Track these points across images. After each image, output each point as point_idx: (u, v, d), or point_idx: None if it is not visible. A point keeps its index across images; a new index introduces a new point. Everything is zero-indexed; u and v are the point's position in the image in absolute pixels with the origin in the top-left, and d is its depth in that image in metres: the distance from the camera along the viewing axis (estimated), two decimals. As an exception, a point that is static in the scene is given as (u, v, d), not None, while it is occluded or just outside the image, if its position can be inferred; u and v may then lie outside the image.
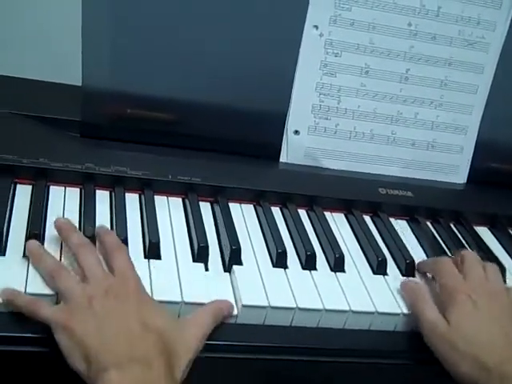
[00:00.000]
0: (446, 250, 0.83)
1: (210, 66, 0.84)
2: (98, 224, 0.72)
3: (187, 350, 0.61)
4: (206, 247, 0.72)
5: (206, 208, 0.80)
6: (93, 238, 0.69)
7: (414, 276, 0.78)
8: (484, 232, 0.89)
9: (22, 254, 0.66)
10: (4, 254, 0.66)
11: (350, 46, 0.86)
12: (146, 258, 0.71)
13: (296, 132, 0.88)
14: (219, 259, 0.73)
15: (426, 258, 0.81)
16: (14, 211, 0.72)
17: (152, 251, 0.71)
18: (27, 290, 0.62)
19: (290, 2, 0.83)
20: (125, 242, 0.70)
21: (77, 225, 0.72)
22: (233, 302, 0.68)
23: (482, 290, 0.70)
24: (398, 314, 0.71)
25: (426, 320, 0.69)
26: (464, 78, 0.90)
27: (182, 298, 0.66)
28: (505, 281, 0.80)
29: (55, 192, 0.76)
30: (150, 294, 0.65)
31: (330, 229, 0.81)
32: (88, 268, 0.64)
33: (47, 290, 0.63)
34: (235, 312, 0.67)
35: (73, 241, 0.67)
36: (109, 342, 0.58)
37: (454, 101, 0.91)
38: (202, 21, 0.83)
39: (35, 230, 0.68)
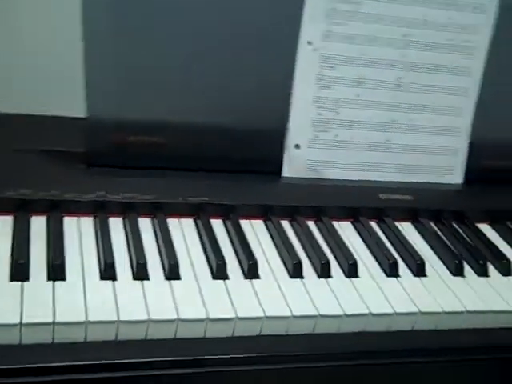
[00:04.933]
0: (452, 248, 0.85)
1: (209, 86, 0.86)
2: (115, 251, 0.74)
3: None
4: (224, 264, 0.74)
5: (218, 226, 0.82)
6: (112, 265, 0.71)
7: (424, 275, 0.80)
8: (486, 228, 0.92)
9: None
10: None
11: (343, 59, 0.88)
12: (166, 279, 0.72)
13: (297, 146, 0.90)
14: (240, 273, 0.75)
15: (435, 257, 0.84)
16: (31, 243, 0.73)
17: (172, 272, 0.72)
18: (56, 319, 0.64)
19: (284, 20, 0.86)
20: (144, 266, 0.72)
21: (94, 253, 0.74)
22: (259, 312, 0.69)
23: None
24: (415, 313, 0.74)
25: None
26: (453, 82, 0.93)
27: (207, 314, 0.68)
28: (509, 274, 0.83)
29: (70, 222, 0.78)
30: (175, 313, 0.67)
31: (340, 237, 0.83)
32: None
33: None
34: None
35: None
36: None
37: (446, 104, 0.94)
38: (198, 43, 0.85)
39: (57, 261, 0.70)
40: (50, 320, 0.63)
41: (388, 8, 0.88)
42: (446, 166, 0.96)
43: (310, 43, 0.87)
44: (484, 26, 0.92)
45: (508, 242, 0.90)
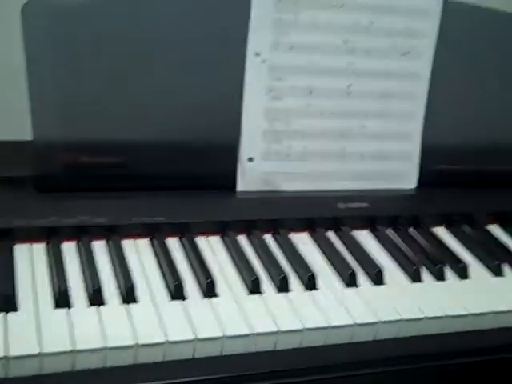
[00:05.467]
0: (409, 254, 0.85)
1: (159, 105, 0.85)
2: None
3: None
4: (181, 285, 0.73)
5: (175, 244, 0.81)
6: (66, 292, 0.70)
7: (384, 284, 0.80)
8: (442, 232, 0.92)
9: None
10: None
11: (292, 68, 0.88)
12: (123, 303, 0.71)
13: (250, 159, 0.89)
14: (198, 292, 0.74)
15: (392, 265, 0.84)
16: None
17: (129, 296, 0.71)
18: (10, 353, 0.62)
19: (230, 33, 0.85)
20: (99, 291, 0.71)
21: (47, 281, 0.72)
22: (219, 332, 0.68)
23: None
24: (376, 323, 0.74)
25: None
26: (402, 87, 0.94)
27: (166, 337, 0.66)
28: (466, 277, 0.84)
29: (21, 250, 0.76)
30: (133, 337, 0.66)
31: (297, 250, 0.83)
32: None
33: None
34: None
35: None
36: None
37: (396, 109, 0.94)
38: (145, 60, 0.84)
39: (8, 292, 0.68)
40: (2, 354, 0.61)
41: (332, 16, 0.88)
42: (400, 172, 0.97)
43: (257, 54, 0.86)
44: (429, 31, 0.92)
45: (464, 245, 0.91)
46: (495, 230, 0.95)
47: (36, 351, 0.62)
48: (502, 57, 0.98)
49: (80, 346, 0.64)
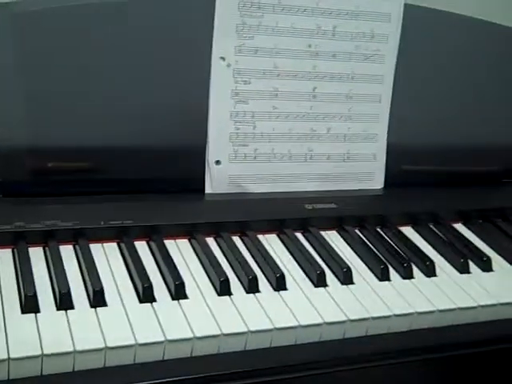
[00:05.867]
0: (377, 254, 0.86)
1: (125, 109, 0.85)
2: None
3: None
4: (151, 287, 0.73)
5: (143, 247, 0.81)
6: (34, 297, 0.69)
7: (352, 283, 0.81)
8: (409, 231, 0.94)
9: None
10: None
11: (257, 72, 0.89)
12: (92, 307, 0.70)
13: (217, 162, 0.90)
14: (167, 295, 0.74)
15: (361, 264, 0.85)
16: None
17: (97, 300, 0.71)
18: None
19: (195, 38, 0.86)
20: (67, 295, 0.70)
21: (14, 286, 0.71)
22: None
23: None
24: (344, 322, 0.74)
25: None
26: (367, 90, 0.95)
27: (135, 340, 0.66)
28: (435, 274, 0.85)
29: (-13, 256, 0.75)
30: (102, 341, 0.65)
31: (266, 251, 0.83)
32: None
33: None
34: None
35: None
36: None
37: (361, 112, 0.95)
38: (113, 67, 0.84)
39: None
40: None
41: (296, 21, 0.89)
42: (367, 172, 0.98)
43: (222, 58, 0.87)
44: (392, 35, 0.94)
45: (430, 243, 0.92)
46: (460, 228, 0.96)
47: (4, 356, 0.62)
48: (463, 58, 1.00)
49: (48, 351, 0.63)
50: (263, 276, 0.80)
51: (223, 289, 0.75)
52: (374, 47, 0.94)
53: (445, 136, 1.01)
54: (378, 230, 0.92)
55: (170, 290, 0.75)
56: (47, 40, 0.81)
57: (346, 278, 0.81)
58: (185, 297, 0.74)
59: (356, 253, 0.87)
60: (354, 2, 0.91)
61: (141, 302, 0.72)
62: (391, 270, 0.84)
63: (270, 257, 0.82)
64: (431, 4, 0.97)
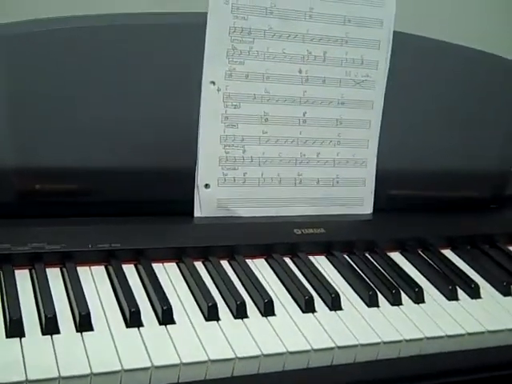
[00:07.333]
0: (366, 279, 0.86)
1: (114, 132, 0.85)
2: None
3: None
4: (138, 312, 0.72)
5: (131, 271, 0.80)
6: (19, 321, 0.68)
7: (341, 309, 0.80)
8: (397, 257, 0.94)
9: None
10: None
11: (247, 97, 0.89)
12: (78, 331, 0.70)
13: (206, 186, 0.90)
14: (155, 319, 0.73)
15: (349, 289, 0.85)
16: None
17: (83, 324, 0.70)
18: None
19: (186, 63, 0.86)
20: (52, 320, 0.69)
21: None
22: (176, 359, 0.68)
23: None
24: (332, 348, 0.74)
25: None
26: (356, 115, 0.95)
27: (121, 366, 0.66)
28: (423, 301, 0.85)
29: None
30: (88, 367, 0.64)
31: (254, 275, 0.83)
32: None
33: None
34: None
35: None
36: None
37: (351, 137, 0.96)
38: (101, 89, 0.84)
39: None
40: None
41: (286, 46, 0.89)
42: (356, 198, 0.98)
43: (213, 83, 0.87)
44: (381, 61, 0.94)
45: (419, 270, 0.92)
46: (448, 254, 0.96)
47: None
48: (452, 85, 1.01)
49: (32, 376, 0.63)
50: (251, 301, 0.79)
51: (211, 314, 0.75)
52: (364, 73, 0.95)
53: (433, 162, 1.02)
54: (367, 255, 0.92)
55: (157, 315, 0.74)
56: (33, 62, 0.81)
57: (334, 303, 0.80)
58: (172, 322, 0.73)
59: (344, 278, 0.87)
60: (343, 29, 0.92)
61: (128, 326, 0.72)
62: (380, 296, 0.83)
63: (259, 282, 0.82)
64: (418, 31, 0.98)
